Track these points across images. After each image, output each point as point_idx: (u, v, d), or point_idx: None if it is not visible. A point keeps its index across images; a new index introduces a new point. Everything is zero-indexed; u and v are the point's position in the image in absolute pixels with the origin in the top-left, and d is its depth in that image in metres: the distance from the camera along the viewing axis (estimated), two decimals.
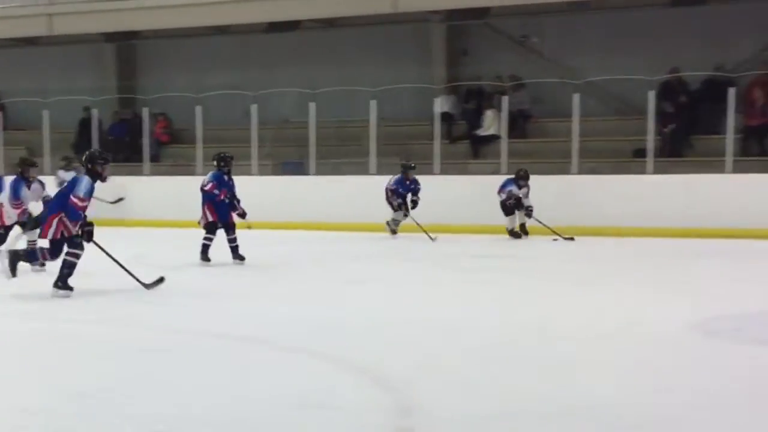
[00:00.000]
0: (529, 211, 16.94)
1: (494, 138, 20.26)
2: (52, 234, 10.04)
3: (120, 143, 23.26)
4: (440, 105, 20.85)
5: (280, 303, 9.80)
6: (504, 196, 16.90)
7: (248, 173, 19.97)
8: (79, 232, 10.02)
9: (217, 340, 7.79)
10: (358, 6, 21.63)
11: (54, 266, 10.37)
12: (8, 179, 12.97)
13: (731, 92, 17.71)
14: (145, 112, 22.33)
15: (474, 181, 18.73)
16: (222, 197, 13.07)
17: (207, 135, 21.35)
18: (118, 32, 24.50)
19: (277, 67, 23.34)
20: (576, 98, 18.60)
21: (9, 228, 12.76)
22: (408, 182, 17.67)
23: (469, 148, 21.14)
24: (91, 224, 10.16)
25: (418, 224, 16.81)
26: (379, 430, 5.28)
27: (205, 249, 13.11)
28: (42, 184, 12.89)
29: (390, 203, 17.69)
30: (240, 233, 13.25)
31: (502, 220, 17.03)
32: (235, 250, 13.16)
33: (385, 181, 18.09)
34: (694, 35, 20.42)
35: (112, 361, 7.00)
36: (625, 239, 16.34)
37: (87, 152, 10.86)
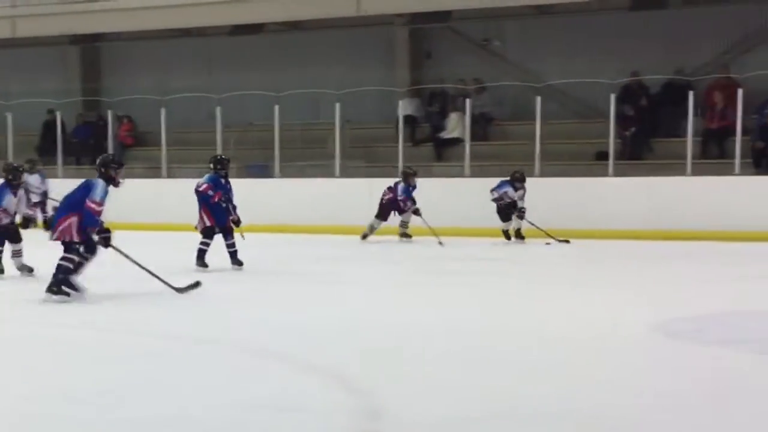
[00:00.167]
0: (521, 213, 16.74)
1: (458, 141, 20.37)
2: (62, 235, 9.91)
3: (84, 146, 23.20)
4: (404, 108, 20.95)
5: (246, 306, 9.80)
6: (496, 195, 16.77)
7: None
8: (95, 239, 9.92)
9: (180, 344, 7.83)
10: (323, 9, 21.71)
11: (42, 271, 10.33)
12: None
13: (691, 96, 17.92)
14: (110, 115, 22.31)
15: (438, 183, 18.82)
16: (216, 199, 12.73)
17: (171, 137, 21.35)
18: (83, 34, 24.46)
19: (242, 69, 23.35)
20: (538, 101, 18.74)
21: None
22: (411, 187, 17.34)
23: (432, 151, 21.23)
24: (108, 230, 10.03)
25: (430, 227, 16.47)
26: None
27: (201, 254, 12.71)
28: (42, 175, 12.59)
29: (398, 211, 17.37)
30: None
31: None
32: (233, 255, 12.84)
33: (349, 183, 18.27)
34: (654, 39, 20.68)
35: (86, 368, 7.02)
36: (587, 241, 16.43)
37: (100, 157, 10.56)
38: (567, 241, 16.49)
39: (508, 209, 16.81)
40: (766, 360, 7.10)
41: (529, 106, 19.24)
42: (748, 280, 11.70)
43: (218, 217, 12.79)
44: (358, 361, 6.99)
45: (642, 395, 6.02)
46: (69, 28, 23.88)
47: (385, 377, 6.52)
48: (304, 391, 6.20)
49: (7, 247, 12.17)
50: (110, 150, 21.99)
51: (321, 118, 21.84)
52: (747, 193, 17.11)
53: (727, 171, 17.58)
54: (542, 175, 18.32)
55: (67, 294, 9.97)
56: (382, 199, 17.48)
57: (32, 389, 6.29)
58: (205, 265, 12.59)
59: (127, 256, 10.22)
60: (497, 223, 16.90)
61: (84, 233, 9.94)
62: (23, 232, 12.27)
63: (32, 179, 17.64)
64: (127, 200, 19.65)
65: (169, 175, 21.12)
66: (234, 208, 12.96)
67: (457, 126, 20.61)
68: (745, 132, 17.83)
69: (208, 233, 12.79)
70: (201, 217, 12.85)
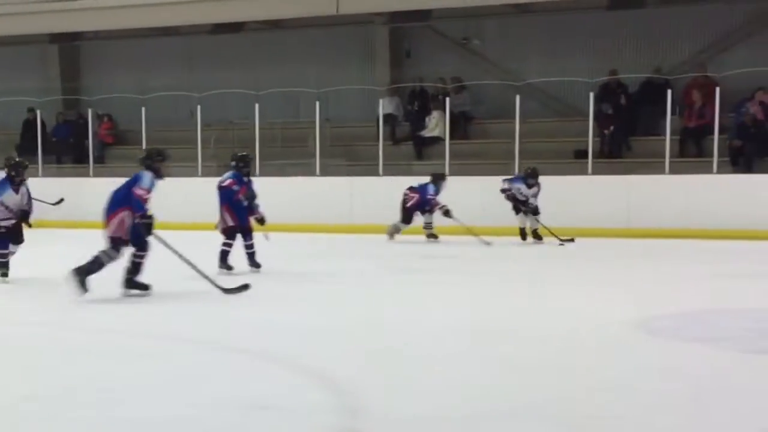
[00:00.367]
0: (528, 209, 16.36)
1: (438, 140, 20.44)
2: (113, 231, 9.99)
3: (64, 145, 23.20)
4: (384, 106, 21.03)
5: (224, 305, 9.80)
6: (506, 185, 16.49)
7: (193, 174, 20.02)
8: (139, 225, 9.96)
9: (160, 343, 7.86)
10: (303, 8, 21.74)
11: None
12: None
13: (669, 94, 18.04)
14: (90, 114, 22.31)
15: (418, 182, 18.83)
16: (240, 196, 12.32)
17: (151, 136, 21.30)
18: (62, 33, 24.42)
19: (222, 68, 23.40)
20: (517, 100, 18.80)
21: None
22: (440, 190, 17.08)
23: (412, 150, 21.30)
24: (150, 217, 10.02)
25: (468, 228, 16.34)
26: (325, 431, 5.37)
27: (224, 256, 12.30)
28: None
29: (421, 212, 17.17)
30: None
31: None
32: (251, 256, 12.51)
33: (329, 182, 18.33)
34: (632, 38, 20.88)
35: (52, 366, 7.06)
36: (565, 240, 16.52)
37: (145, 150, 10.66)
38: (571, 240, 16.24)
39: (515, 203, 16.45)
40: (747, 358, 7.15)
41: (508, 105, 19.32)
42: (725, 278, 11.77)
43: (241, 216, 12.42)
44: (346, 361, 7.02)
45: (623, 393, 6.06)
46: (48, 26, 23.85)
47: (374, 377, 6.56)
48: (280, 389, 6.22)
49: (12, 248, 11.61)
50: (90, 148, 22.04)
51: (301, 116, 21.92)
52: (724, 192, 17.23)
53: (705, 169, 17.70)
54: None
55: (147, 287, 10.19)
56: (404, 203, 17.13)
57: (32, 389, 6.29)
58: (229, 267, 12.26)
59: (169, 247, 10.17)
60: (480, 221, 16.84)
61: (132, 233, 10.03)
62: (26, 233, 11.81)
63: None
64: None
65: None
66: (257, 206, 12.63)
67: (438, 125, 20.68)
68: (722, 130, 17.98)
69: (230, 234, 12.40)
70: (222, 217, 12.45)
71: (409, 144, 21.37)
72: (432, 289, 11.04)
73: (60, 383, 6.43)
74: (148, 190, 10.05)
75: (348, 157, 21.05)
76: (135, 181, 10.17)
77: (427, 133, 21.01)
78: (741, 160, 18.09)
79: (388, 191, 18.00)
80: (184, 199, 17.91)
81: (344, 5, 21.05)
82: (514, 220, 16.62)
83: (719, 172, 17.67)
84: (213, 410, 5.65)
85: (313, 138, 20.13)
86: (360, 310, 9.57)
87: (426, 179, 17.28)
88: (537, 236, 16.51)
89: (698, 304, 9.71)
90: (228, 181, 12.45)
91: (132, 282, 10.20)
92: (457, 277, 12.40)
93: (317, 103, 20.08)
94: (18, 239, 11.61)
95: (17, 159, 12.00)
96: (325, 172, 19.96)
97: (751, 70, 18.05)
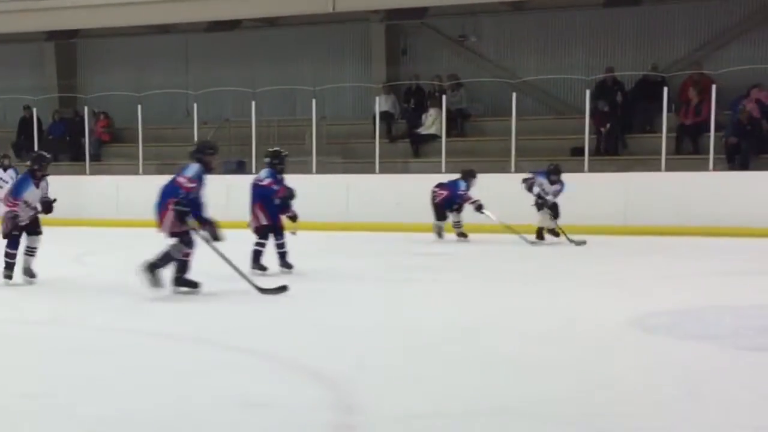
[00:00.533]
0: (541, 203, 15.95)
1: (434, 137, 20.45)
2: (170, 228, 9.91)
3: (60, 142, 23.18)
4: (380, 104, 21.03)
5: (220, 303, 9.81)
6: (529, 175, 16.18)
7: None
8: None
9: (158, 340, 7.86)
10: (299, 5, 21.74)
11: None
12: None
13: (665, 92, 18.07)
14: (86, 111, 22.29)
15: (415, 179, 18.86)
16: (280, 195, 11.93)
17: (148, 134, 21.36)
18: (59, 31, 24.39)
19: (218, 65, 23.42)
20: (514, 98, 18.84)
21: None
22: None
23: (409, 147, 21.32)
24: (187, 206, 9.85)
25: (508, 226, 16.05)
26: (321, 428, 5.34)
27: (257, 256, 11.89)
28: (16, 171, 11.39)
29: (453, 210, 16.76)
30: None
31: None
32: (282, 256, 12.09)
33: (326, 179, 18.35)
34: (628, 36, 20.91)
35: (52, 364, 7.05)
36: (562, 237, 16.45)
37: (195, 143, 10.50)
38: (583, 242, 15.74)
39: (536, 198, 15.97)
40: (744, 355, 7.17)
41: (504, 103, 19.37)
42: (722, 275, 11.80)
43: (274, 214, 12.02)
44: (343, 358, 7.01)
45: (619, 390, 6.07)
46: (45, 24, 23.82)
47: (371, 374, 6.56)
48: (275, 386, 6.22)
49: (23, 243, 11.11)
50: (86, 146, 22.04)
51: (297, 114, 21.93)
52: (721, 189, 17.26)
53: (701, 166, 17.74)
54: (518, 170, 18.30)
55: (196, 285, 10.12)
56: (434, 200, 16.76)
57: (32, 387, 6.27)
58: (263, 268, 11.84)
59: (216, 250, 10.10)
60: (475, 220, 16.75)
61: (182, 224, 9.92)
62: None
63: (5, 176, 17.76)
64: (108, 196, 19.96)
65: (147, 172, 21.04)
66: (291, 204, 12.22)
67: (434, 122, 20.68)
68: (718, 128, 18.02)
69: (263, 233, 11.98)
70: (255, 215, 12.02)
71: (405, 142, 21.40)
72: (429, 287, 11.03)
73: (59, 381, 6.42)
74: (190, 179, 9.90)
75: (344, 154, 21.07)
76: (181, 172, 10.13)
77: (423, 130, 21.04)
78: (737, 158, 18.12)
79: (384, 189, 17.99)
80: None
81: (340, 3, 21.06)
82: (514, 217, 16.48)
83: (715, 169, 17.71)
84: (212, 407, 5.65)
85: (309, 136, 20.15)
86: (358, 308, 9.57)
87: (423, 177, 17.28)
88: (554, 233, 16.20)
89: (695, 301, 9.70)
90: (267, 181, 11.98)
91: (181, 280, 10.13)
92: (454, 275, 12.40)
93: (313, 101, 20.09)
94: (36, 230, 11.14)
95: (40, 152, 11.76)
96: (321, 170, 19.99)
97: (747, 68, 18.14)
